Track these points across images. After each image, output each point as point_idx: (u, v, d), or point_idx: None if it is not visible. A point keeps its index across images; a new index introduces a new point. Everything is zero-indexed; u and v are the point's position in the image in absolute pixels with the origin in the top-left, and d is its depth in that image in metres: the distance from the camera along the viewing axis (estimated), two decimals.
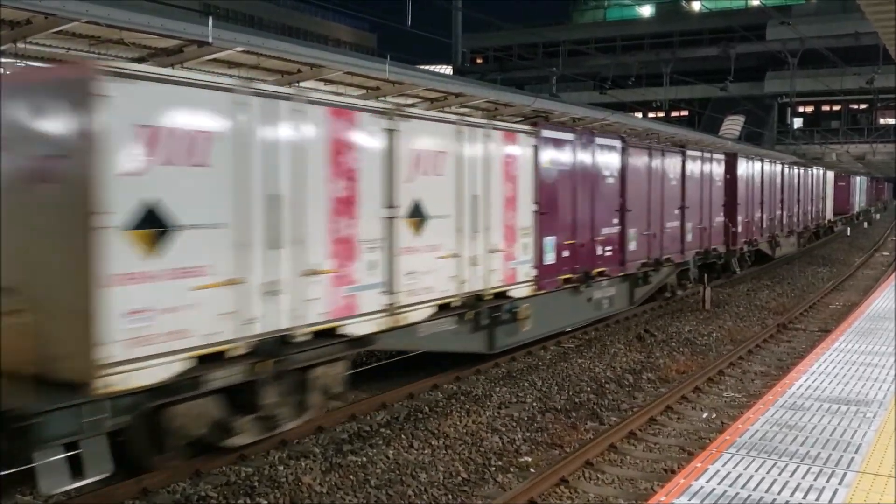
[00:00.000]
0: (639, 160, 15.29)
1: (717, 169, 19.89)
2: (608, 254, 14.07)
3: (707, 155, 19.26)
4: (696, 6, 67.53)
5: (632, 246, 14.93)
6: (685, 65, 55.76)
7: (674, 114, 62.69)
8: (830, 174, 40.42)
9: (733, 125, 50.14)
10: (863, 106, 61.99)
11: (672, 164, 16.83)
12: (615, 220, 14.35)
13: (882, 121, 60.86)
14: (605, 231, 13.92)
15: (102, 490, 6.92)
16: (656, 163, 16.01)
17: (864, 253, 32.76)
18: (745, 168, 22.22)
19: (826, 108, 64.29)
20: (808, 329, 15.38)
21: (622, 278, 14.88)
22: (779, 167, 26.76)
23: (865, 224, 53.33)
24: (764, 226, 24.45)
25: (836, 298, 19.76)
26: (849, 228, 45.15)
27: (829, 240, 38.94)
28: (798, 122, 63.30)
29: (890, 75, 41.39)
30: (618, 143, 14.57)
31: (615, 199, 14.35)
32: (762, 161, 24.51)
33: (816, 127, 60.84)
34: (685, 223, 17.51)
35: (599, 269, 13.77)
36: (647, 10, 76.28)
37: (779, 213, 26.55)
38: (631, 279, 15.26)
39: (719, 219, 20.04)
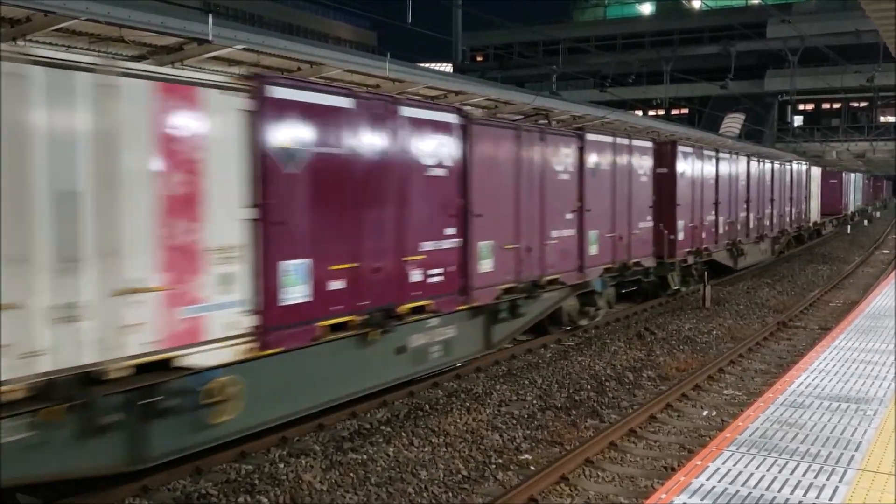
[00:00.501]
0: (497, 146, 11.05)
1: (643, 161, 15.52)
2: (436, 280, 9.75)
3: (623, 142, 14.78)
4: (697, 4, 67.48)
5: (484, 266, 10.64)
6: (685, 63, 55.81)
7: (674, 112, 62.70)
8: (816, 170, 35.95)
9: (733, 123, 50.14)
10: (863, 104, 61.98)
11: (561, 152, 12.58)
12: (450, 231, 10.01)
13: (882, 119, 60.86)
14: (429, 247, 9.67)
15: (103, 488, 6.93)
16: (532, 151, 11.80)
17: (864, 251, 32.76)
18: (689, 161, 17.94)
19: (826, 105, 64.30)
20: (808, 327, 15.38)
21: (470, 312, 10.60)
22: (743, 161, 22.49)
23: (865, 222, 53.31)
24: (720, 231, 20.16)
25: (836, 296, 19.76)
26: (849, 227, 45.06)
27: (828, 238, 38.68)
28: (798, 120, 63.29)
29: (890, 73, 41.34)
30: (453, 119, 10.10)
31: (449, 201, 10.02)
32: (717, 153, 20.16)
33: (817, 125, 60.84)
34: (585, 231, 13.17)
35: (417, 304, 9.47)
36: (647, 8, 76.24)
37: (743, 215, 22.35)
38: (486, 313, 11.01)
39: (645, 224, 15.64)
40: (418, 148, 9.50)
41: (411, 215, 9.37)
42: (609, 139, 14.34)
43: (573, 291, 13.29)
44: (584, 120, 16.89)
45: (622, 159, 14.67)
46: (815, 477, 5.06)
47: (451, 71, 58.32)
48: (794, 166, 29.64)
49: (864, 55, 47.11)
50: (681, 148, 17.54)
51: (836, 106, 63.18)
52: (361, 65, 10.66)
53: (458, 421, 9.08)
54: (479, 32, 70.81)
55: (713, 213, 19.64)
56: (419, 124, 9.53)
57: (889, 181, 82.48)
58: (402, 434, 8.60)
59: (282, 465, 7.68)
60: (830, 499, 4.71)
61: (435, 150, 9.78)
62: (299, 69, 10.20)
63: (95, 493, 6.84)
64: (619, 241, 14.47)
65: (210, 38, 8.39)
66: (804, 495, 4.76)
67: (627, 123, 18.81)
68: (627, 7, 76.60)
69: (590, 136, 13.54)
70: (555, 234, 12.35)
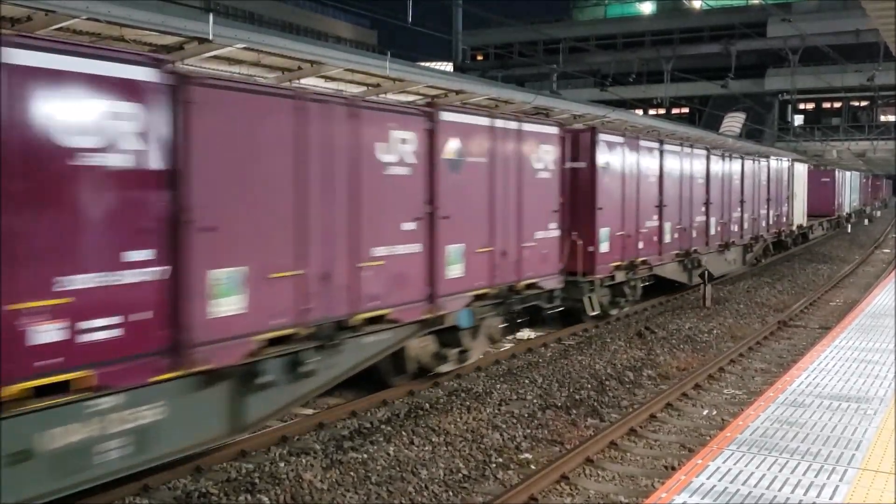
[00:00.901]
0: (255, 123, 7.36)
1: (542, 152, 11.99)
2: (105, 335, 6.04)
3: (508, 126, 11.15)
4: (697, 3, 67.54)
5: (224, 306, 7.00)
6: (686, 62, 55.88)
7: (675, 111, 62.73)
8: (801, 167, 31.61)
9: (734, 122, 50.15)
10: (864, 103, 62.02)
11: (393, 137, 8.96)
12: (137, 256, 6.33)
13: (883, 118, 60.89)
14: (85, 283, 5.94)
15: (103, 487, 6.94)
16: (330, 132, 8.09)
17: (864, 250, 32.76)
18: (619, 153, 14.67)
19: (827, 105, 64.35)
20: (808, 326, 15.38)
21: (195, 381, 6.91)
22: (701, 156, 18.91)
23: (866, 221, 53.33)
24: (666, 240, 16.74)
25: (836, 295, 19.77)
26: (849, 226, 44.96)
27: (826, 239, 38.47)
28: (799, 120, 63.31)
29: (890, 72, 41.39)
30: (143, 75, 6.42)
31: (136, 206, 6.36)
32: (661, 144, 16.64)
33: (817, 124, 60.84)
34: (439, 246, 9.67)
35: (53, 379, 5.74)
36: (647, 7, 76.29)
37: (701, 219, 18.86)
38: (234, 378, 7.27)
39: (547, 234, 12.06)
40: (43, 121, 5.66)
41: (23, 233, 5.58)
42: (484, 121, 10.71)
43: (421, 329, 9.68)
44: (585, 119, 16.91)
45: (507, 148, 11.10)
46: (816, 476, 5.07)
47: (452, 70, 58.33)
48: (772, 163, 25.86)
49: (865, 54, 47.24)
50: (603, 136, 14.10)
51: (837, 105, 63.21)
52: (362, 64, 10.65)
53: (459, 420, 9.08)
54: (480, 31, 70.85)
55: (656, 217, 16.23)
56: (41, 78, 5.67)
57: (889, 180, 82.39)
58: (403, 433, 8.60)
59: (282, 464, 7.68)
60: (831, 498, 4.72)
61: (97, 125, 6.00)
62: (300, 68, 10.21)
63: (95, 492, 6.84)
64: (501, 257, 10.91)
65: (210, 37, 8.39)
66: (804, 494, 4.76)
67: (628, 122, 18.79)
68: (628, 6, 76.64)
69: (447, 117, 9.85)
70: (381, 252, 8.77)
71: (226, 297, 7.04)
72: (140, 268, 6.32)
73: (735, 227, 21.69)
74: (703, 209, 19.07)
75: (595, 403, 9.95)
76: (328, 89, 10.80)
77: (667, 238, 16.83)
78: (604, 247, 14.03)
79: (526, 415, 9.36)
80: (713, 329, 14.97)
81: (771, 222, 25.78)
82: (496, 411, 9.47)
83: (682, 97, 58.81)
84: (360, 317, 8.55)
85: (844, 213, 44.27)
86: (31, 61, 5.62)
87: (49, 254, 5.76)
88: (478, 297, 10.57)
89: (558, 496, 7.06)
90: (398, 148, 9.09)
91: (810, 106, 64.54)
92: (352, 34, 78.14)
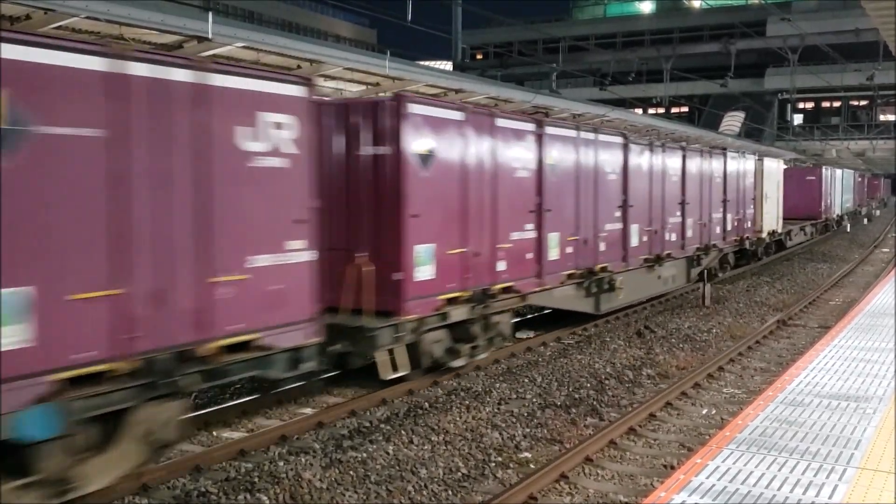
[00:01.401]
0: None
1: (262, 127, 7.40)
2: None
3: (170, 77, 6.58)
4: (697, 3, 67.57)
5: None
6: (685, 61, 55.93)
7: (674, 110, 62.75)
8: (773, 164, 26.62)
9: (733, 121, 50.18)
10: (863, 102, 62.06)
11: None
12: None
13: (882, 117, 60.93)
14: None
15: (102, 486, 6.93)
16: None
17: (864, 249, 32.76)
18: (451, 137, 10.35)
19: (826, 104, 64.41)
20: (807, 325, 15.39)
21: None
22: (615, 144, 14.71)
23: (865, 221, 53.35)
24: (553, 256, 12.59)
25: (835, 295, 19.77)
26: (849, 225, 44.92)
27: (829, 235, 38.28)
28: (798, 119, 63.33)
29: (890, 72, 41.41)
30: None
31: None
32: (539, 127, 12.32)
33: (816, 123, 60.87)
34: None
35: None
36: (647, 6, 76.32)
37: (614, 227, 14.67)
38: None
39: (280, 258, 7.60)
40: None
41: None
42: (92, 63, 6.01)
43: None
44: (584, 118, 16.89)
45: (170, 117, 6.61)
46: (815, 475, 5.07)
47: (451, 69, 58.32)
48: (731, 158, 21.31)
49: (864, 54, 47.26)
50: (418, 109, 9.82)
51: (836, 104, 63.27)
52: (361, 63, 10.65)
53: (458, 419, 9.08)
54: (479, 30, 70.94)
55: (531, 226, 12.08)
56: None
57: (888, 179, 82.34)
58: (402, 432, 8.59)
59: (281, 463, 7.68)
60: (830, 497, 4.72)
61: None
62: (299, 67, 10.21)
63: (95, 491, 6.84)
64: (153, 305, 6.46)
65: (210, 35, 8.39)
66: (804, 493, 4.76)
67: (627, 122, 18.78)
68: (627, 5, 76.68)
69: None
70: None
71: None
72: None
73: (673, 236, 17.35)
74: (619, 214, 14.91)
75: (594, 402, 9.95)
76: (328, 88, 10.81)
77: (552, 254, 12.59)
78: (423, 272, 9.86)
79: (525, 414, 9.36)
80: (712, 328, 14.97)
81: (729, 228, 21.20)
82: (495, 410, 9.47)
83: (681, 96, 58.83)
84: None
85: (834, 216, 40.67)
86: None
87: None
88: (84, 380, 6.04)
89: (557, 495, 7.07)
90: None
91: (810, 105, 64.59)
92: (351, 33, 78.15)
